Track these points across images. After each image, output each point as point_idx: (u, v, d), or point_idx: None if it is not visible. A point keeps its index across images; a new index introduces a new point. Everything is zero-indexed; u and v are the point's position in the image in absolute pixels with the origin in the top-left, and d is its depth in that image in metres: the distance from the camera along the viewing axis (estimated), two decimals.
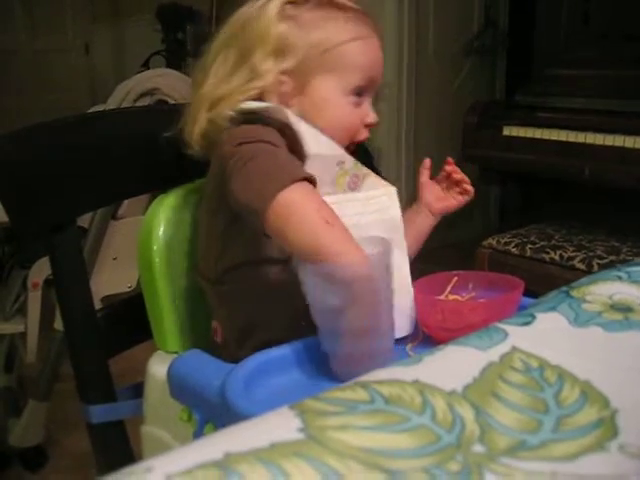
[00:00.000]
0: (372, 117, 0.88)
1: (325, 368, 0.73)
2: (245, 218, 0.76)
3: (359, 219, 0.81)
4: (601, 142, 1.92)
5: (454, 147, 2.29)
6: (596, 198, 2.09)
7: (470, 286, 0.89)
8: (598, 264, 1.83)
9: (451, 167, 1.00)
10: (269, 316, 0.81)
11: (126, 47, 4.86)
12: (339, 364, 0.72)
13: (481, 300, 0.84)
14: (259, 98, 0.82)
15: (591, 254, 1.88)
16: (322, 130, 0.83)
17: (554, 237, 2.02)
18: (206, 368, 0.75)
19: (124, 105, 1.59)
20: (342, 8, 0.84)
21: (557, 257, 1.91)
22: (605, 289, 0.60)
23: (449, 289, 0.89)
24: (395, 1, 3.30)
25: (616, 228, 2.04)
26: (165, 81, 1.66)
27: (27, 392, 1.87)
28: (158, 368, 0.86)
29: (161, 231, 0.88)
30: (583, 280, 0.64)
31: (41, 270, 1.84)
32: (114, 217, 1.75)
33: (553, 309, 0.57)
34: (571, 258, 1.89)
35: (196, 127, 0.83)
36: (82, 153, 0.93)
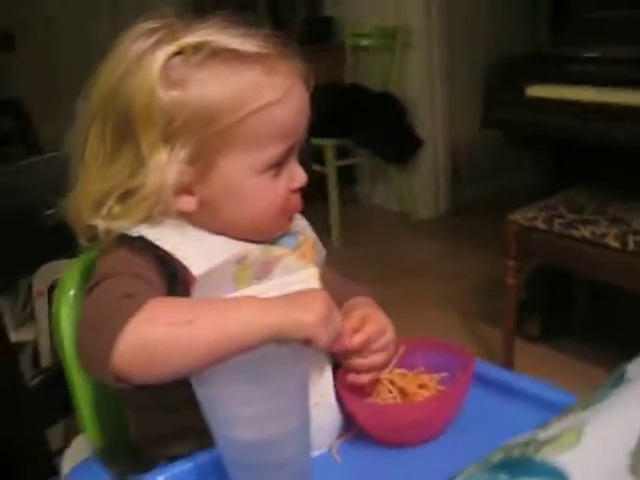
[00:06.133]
0: (299, 179, 0.72)
1: None
2: None
3: None
4: (637, 102, 1.69)
5: None
6: (633, 162, 1.86)
7: (419, 356, 0.76)
8: (634, 241, 1.64)
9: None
10: (178, 429, 0.70)
11: None
12: None
13: (421, 399, 0.72)
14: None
15: (626, 228, 1.69)
16: (233, 222, 0.70)
17: (586, 209, 1.83)
18: None
19: None
20: (244, 57, 0.66)
21: (588, 234, 1.73)
22: None
23: (394, 362, 0.76)
24: None
25: None
26: None
27: None
28: (70, 459, 0.79)
29: (66, 313, 0.79)
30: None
31: (44, 278, 1.81)
32: None
33: None
34: (604, 235, 1.70)
35: (78, 226, 0.70)
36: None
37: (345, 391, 0.69)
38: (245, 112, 0.65)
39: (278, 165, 0.69)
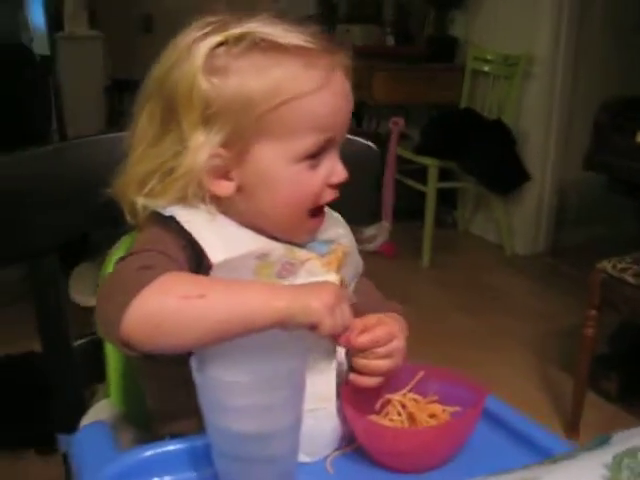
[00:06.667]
0: (339, 175, 0.72)
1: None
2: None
3: None
4: None
5: None
6: None
7: (436, 385, 0.75)
8: None
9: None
10: (187, 405, 0.72)
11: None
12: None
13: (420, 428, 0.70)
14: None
15: None
16: (266, 213, 0.71)
17: None
18: (93, 453, 0.69)
19: None
20: (283, 50, 0.67)
21: None
22: None
23: (413, 383, 0.75)
24: None
25: None
26: None
27: None
28: (89, 419, 0.83)
29: None
30: None
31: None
32: None
33: None
34: None
35: (125, 203, 0.73)
36: (51, 183, 0.90)
37: (348, 404, 0.68)
38: (278, 101, 0.66)
39: (314, 157, 0.70)
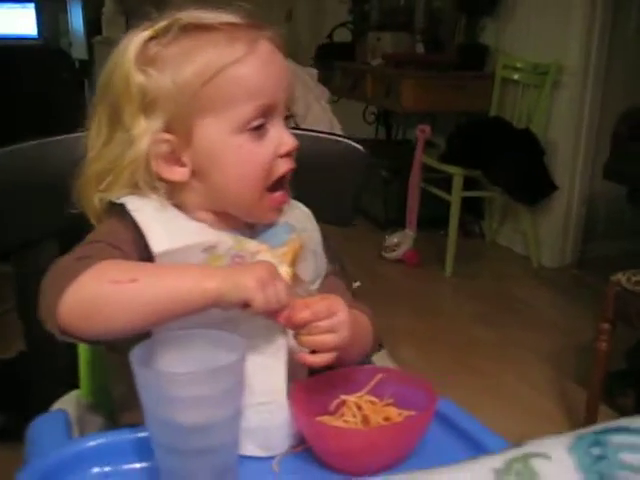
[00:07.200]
0: (287, 144, 0.72)
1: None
2: None
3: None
4: None
5: None
6: None
7: (393, 388, 0.74)
8: None
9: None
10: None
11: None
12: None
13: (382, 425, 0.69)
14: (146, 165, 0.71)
15: None
16: (222, 192, 0.72)
17: None
18: (44, 440, 0.70)
19: None
20: (208, 29, 0.70)
21: None
22: None
23: (371, 385, 0.74)
24: None
25: None
26: None
27: None
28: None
29: None
30: None
31: None
32: None
33: None
34: None
35: (87, 207, 0.74)
36: (40, 177, 0.92)
37: (295, 403, 0.67)
38: (208, 75, 0.68)
39: (255, 127, 0.71)
